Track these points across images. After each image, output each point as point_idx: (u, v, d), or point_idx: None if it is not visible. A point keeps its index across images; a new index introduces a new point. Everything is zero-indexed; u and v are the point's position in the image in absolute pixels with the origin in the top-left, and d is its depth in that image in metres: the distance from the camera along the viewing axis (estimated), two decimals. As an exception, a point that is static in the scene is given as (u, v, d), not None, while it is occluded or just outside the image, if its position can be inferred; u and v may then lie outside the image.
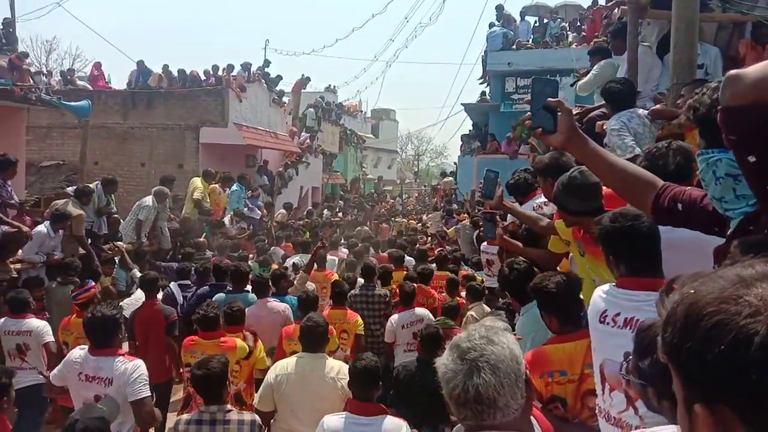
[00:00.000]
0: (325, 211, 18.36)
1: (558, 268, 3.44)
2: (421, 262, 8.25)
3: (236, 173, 13.37)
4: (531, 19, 19.37)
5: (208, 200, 11.37)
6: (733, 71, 1.29)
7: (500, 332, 1.44)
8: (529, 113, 1.83)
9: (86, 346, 3.53)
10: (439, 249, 9.91)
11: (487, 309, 5.72)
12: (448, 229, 11.96)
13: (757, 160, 1.31)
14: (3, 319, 4.99)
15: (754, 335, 0.64)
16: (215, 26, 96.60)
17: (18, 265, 6.72)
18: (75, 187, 8.30)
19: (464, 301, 6.78)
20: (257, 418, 3.40)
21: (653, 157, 2.22)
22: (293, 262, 8.36)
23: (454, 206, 15.10)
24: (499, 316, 4.26)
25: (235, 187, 12.48)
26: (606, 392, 2.06)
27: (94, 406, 2.73)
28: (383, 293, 6.39)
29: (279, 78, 19.89)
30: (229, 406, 3.34)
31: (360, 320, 5.67)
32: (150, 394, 3.45)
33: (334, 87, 31.72)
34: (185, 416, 3.37)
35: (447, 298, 6.85)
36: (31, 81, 11.34)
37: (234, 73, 17.15)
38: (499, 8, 18.20)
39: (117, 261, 7.56)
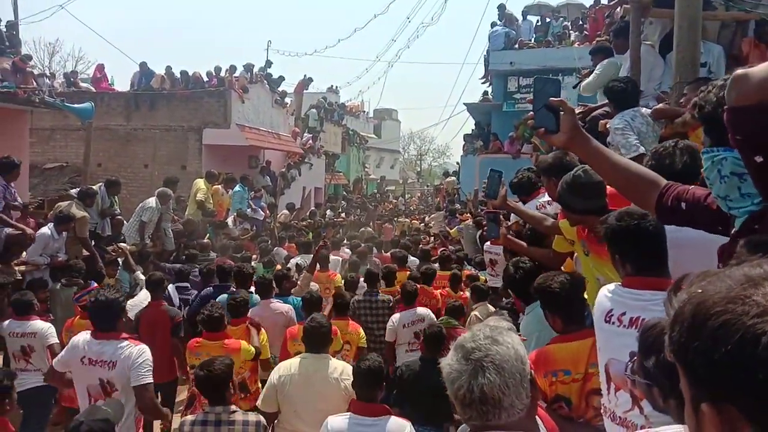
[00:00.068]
0: (328, 212, 18.38)
1: (562, 268, 3.43)
2: (424, 262, 8.25)
3: (239, 174, 13.38)
4: (533, 19, 19.36)
5: (211, 201, 11.38)
6: (739, 71, 1.28)
7: (505, 332, 1.44)
8: (531, 113, 1.83)
9: (89, 332, 3.52)
10: (442, 249, 9.91)
11: (492, 309, 5.71)
12: (450, 229, 11.95)
13: (764, 160, 1.30)
14: (7, 321, 5.00)
15: (761, 335, 0.64)
16: (217, 27, 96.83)
17: (22, 267, 6.74)
18: (78, 189, 8.32)
19: (467, 296, 6.79)
20: (262, 419, 3.40)
21: (660, 157, 2.22)
22: (296, 263, 8.36)
23: (457, 206, 15.09)
24: (502, 315, 4.26)
25: (237, 188, 12.49)
26: (611, 392, 2.06)
27: (99, 408, 2.73)
28: (386, 299, 6.37)
29: (281, 79, 19.92)
30: (233, 407, 3.34)
31: (362, 332, 5.60)
32: (153, 380, 3.43)
33: (337, 87, 31.77)
34: (190, 417, 3.38)
35: (450, 293, 6.87)
36: (35, 83, 11.37)
37: (236, 74, 17.18)
38: (501, 7, 18.19)
39: (120, 263, 7.57)
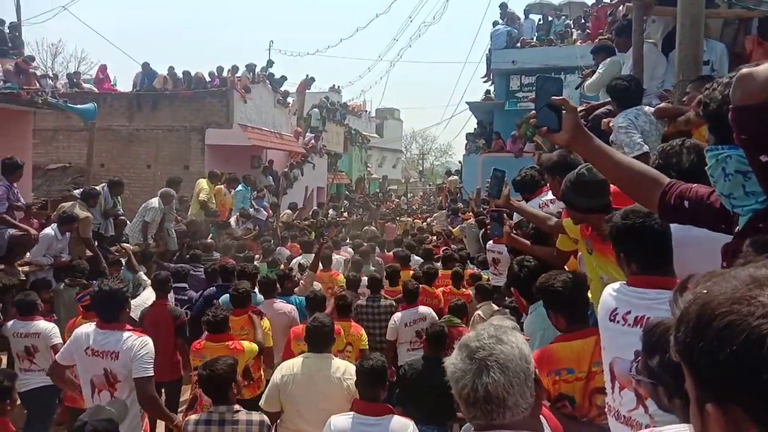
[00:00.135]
0: (331, 211, 18.37)
1: (566, 267, 3.43)
2: (427, 261, 8.25)
3: (241, 174, 13.40)
4: (535, 17, 19.34)
5: (214, 201, 11.40)
6: (744, 70, 1.28)
7: (509, 331, 1.44)
8: (533, 111, 1.82)
9: (93, 323, 3.52)
10: (445, 248, 9.90)
11: (496, 308, 5.71)
12: (453, 228, 11.95)
13: None
14: (12, 322, 5.02)
15: (766, 336, 0.64)
16: (219, 28, 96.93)
17: (26, 268, 6.76)
18: (81, 190, 8.34)
19: (470, 293, 6.79)
20: (266, 418, 3.41)
21: (667, 155, 2.22)
22: (299, 263, 8.37)
23: (460, 205, 15.07)
24: (504, 314, 4.26)
25: (240, 187, 12.51)
26: (616, 391, 2.06)
27: (103, 408, 2.73)
28: (389, 304, 6.37)
29: (283, 78, 19.94)
30: (237, 407, 3.35)
31: (364, 334, 5.60)
32: (154, 374, 3.42)
33: (339, 87, 31.83)
34: (194, 416, 3.38)
35: (452, 290, 6.86)
36: (38, 84, 11.39)
37: (238, 74, 17.20)
38: (503, 6, 18.17)
39: (124, 263, 7.59)
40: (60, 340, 4.96)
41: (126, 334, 3.39)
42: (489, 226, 4.70)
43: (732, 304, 0.68)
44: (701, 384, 0.72)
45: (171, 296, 6.44)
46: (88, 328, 3.50)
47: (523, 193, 4.43)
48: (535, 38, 17.93)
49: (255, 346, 4.69)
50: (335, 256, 8.54)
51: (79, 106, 11.43)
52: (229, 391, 3.36)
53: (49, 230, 6.92)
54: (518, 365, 1.37)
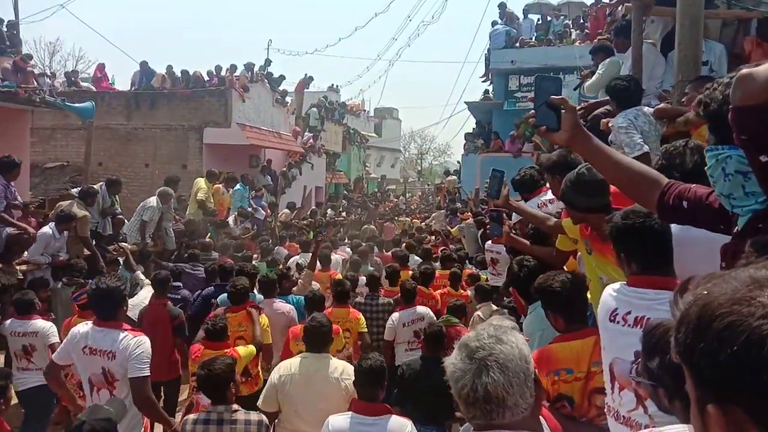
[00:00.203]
0: (329, 211, 18.38)
1: (565, 267, 3.43)
2: (426, 261, 8.25)
3: (240, 173, 13.38)
4: (534, 17, 19.36)
5: (212, 201, 11.39)
6: (744, 70, 1.28)
7: (509, 331, 1.44)
8: (532, 111, 1.82)
9: (89, 322, 3.50)
10: (443, 248, 9.90)
11: (495, 309, 5.71)
12: (451, 228, 11.95)
13: None
14: (9, 320, 5.01)
15: (767, 336, 0.64)
16: (218, 27, 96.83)
17: (24, 267, 6.75)
18: (79, 189, 8.32)
19: (468, 294, 6.79)
20: (264, 418, 3.41)
21: (671, 156, 2.22)
22: (297, 262, 8.37)
23: (458, 205, 15.08)
24: (503, 314, 4.25)
25: (238, 186, 12.51)
26: (615, 391, 2.06)
27: (101, 407, 2.73)
28: (387, 302, 6.38)
29: (282, 78, 19.92)
30: (235, 406, 3.34)
31: (362, 318, 5.69)
32: (150, 374, 3.40)
33: (337, 86, 31.78)
34: (192, 416, 3.38)
35: (450, 291, 6.86)
36: (35, 83, 11.38)
37: (237, 73, 17.18)
38: (502, 6, 18.19)
39: (121, 262, 7.58)
40: (57, 339, 4.95)
41: (122, 334, 3.37)
42: (488, 226, 4.70)
43: (732, 304, 0.68)
44: (702, 385, 0.72)
45: (163, 295, 6.44)
46: (84, 326, 3.47)
47: (522, 193, 4.43)
48: (533, 38, 17.94)
49: (252, 349, 4.68)
50: (334, 256, 8.54)
51: (77, 104, 11.41)
52: (228, 390, 3.35)
53: (47, 229, 6.91)
54: (518, 365, 1.37)
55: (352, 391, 3.51)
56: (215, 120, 16.14)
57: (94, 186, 8.36)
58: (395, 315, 5.80)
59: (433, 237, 12.54)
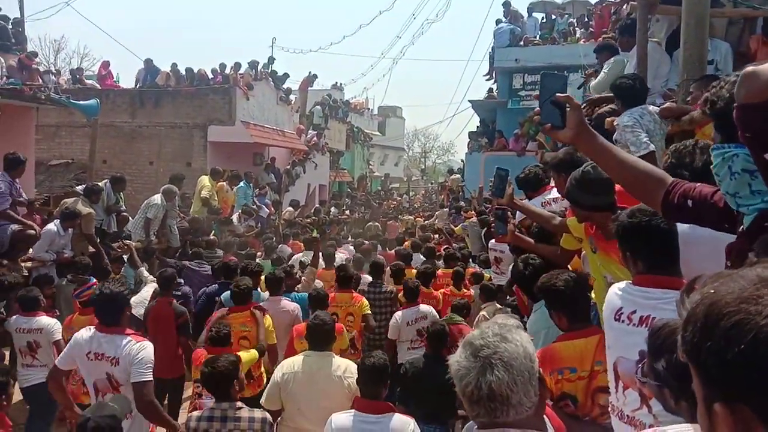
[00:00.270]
0: (333, 209, 18.40)
1: (569, 266, 3.42)
2: (429, 260, 8.25)
3: (244, 171, 13.40)
4: (538, 15, 19.32)
5: (216, 198, 11.40)
6: (749, 68, 1.28)
7: (514, 330, 1.43)
8: (537, 108, 1.82)
9: (92, 327, 3.49)
10: (446, 247, 9.90)
11: (499, 308, 5.72)
12: (455, 226, 11.94)
13: None
14: (14, 317, 5.03)
15: None
16: (222, 24, 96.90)
17: (28, 264, 6.77)
18: (84, 186, 8.35)
19: (471, 293, 6.79)
20: (268, 415, 3.41)
21: (680, 155, 2.22)
22: (300, 260, 8.38)
23: (461, 203, 15.07)
24: (506, 313, 4.25)
25: (241, 184, 12.52)
26: (619, 390, 2.05)
27: (106, 404, 2.74)
28: (390, 290, 6.40)
29: (286, 76, 19.94)
30: (239, 404, 3.35)
31: (365, 302, 5.71)
32: (152, 379, 3.39)
33: (341, 84, 31.79)
34: (196, 413, 3.39)
35: (453, 291, 6.85)
36: (40, 80, 11.41)
37: (241, 71, 17.20)
38: (506, 4, 18.15)
39: (126, 259, 7.60)
40: (61, 336, 4.97)
41: (125, 339, 3.36)
42: (493, 225, 4.69)
43: (740, 303, 0.68)
44: (709, 384, 0.72)
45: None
46: (87, 332, 3.46)
47: (527, 191, 4.42)
48: (538, 36, 17.90)
49: (255, 354, 4.66)
50: (337, 254, 8.55)
51: (81, 102, 11.43)
52: (231, 388, 3.36)
53: (52, 226, 6.93)
54: (522, 364, 1.37)
55: (355, 389, 3.51)
56: (219, 118, 16.17)
57: (99, 183, 8.39)
58: (398, 314, 5.80)
59: (437, 235, 12.54)
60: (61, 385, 3.56)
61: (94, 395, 3.43)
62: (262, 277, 6.23)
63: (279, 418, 3.84)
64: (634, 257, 2.08)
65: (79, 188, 8.42)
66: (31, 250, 6.85)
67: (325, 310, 4.78)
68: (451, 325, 5.02)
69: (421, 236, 11.83)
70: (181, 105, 16.31)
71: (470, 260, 8.86)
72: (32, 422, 4.99)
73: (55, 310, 5.88)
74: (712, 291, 0.73)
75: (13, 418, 5.16)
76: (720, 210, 1.62)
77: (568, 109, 1.74)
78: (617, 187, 2.54)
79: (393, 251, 9.75)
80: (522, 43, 17.49)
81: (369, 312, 5.72)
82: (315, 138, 21.79)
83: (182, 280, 6.81)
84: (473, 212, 11.11)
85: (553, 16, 18.72)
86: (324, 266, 7.51)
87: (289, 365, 3.87)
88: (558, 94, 1.75)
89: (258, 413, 3.35)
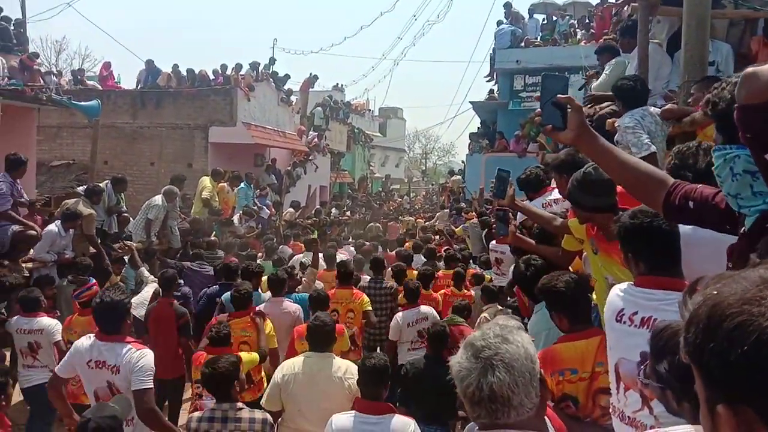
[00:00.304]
0: (333, 210, 18.39)
1: (570, 267, 3.42)
2: (430, 261, 8.25)
3: (245, 172, 13.41)
4: (539, 17, 19.34)
5: (217, 199, 11.41)
6: (749, 69, 1.28)
7: (515, 331, 1.43)
8: (538, 110, 1.81)
9: (92, 335, 3.48)
10: (446, 248, 9.90)
11: (500, 309, 5.71)
12: (456, 227, 11.95)
13: None
14: (15, 318, 5.03)
15: None
16: (223, 25, 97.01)
17: (29, 264, 6.77)
18: (85, 187, 8.35)
19: (471, 293, 6.79)
20: (268, 416, 3.41)
21: (683, 156, 2.23)
22: (300, 261, 8.38)
23: (462, 204, 15.08)
24: (507, 314, 4.25)
25: (242, 185, 12.53)
26: (621, 391, 2.05)
27: (106, 405, 2.73)
28: (390, 285, 6.41)
29: (287, 77, 19.97)
30: (240, 404, 3.35)
31: (366, 298, 5.72)
32: (153, 386, 3.37)
33: (342, 86, 31.81)
34: (197, 414, 3.39)
35: (454, 291, 6.85)
36: (42, 81, 11.40)
37: (242, 72, 17.21)
38: (508, 6, 18.16)
39: (127, 260, 7.60)
40: (61, 337, 4.97)
41: (126, 347, 3.34)
42: (494, 226, 4.69)
43: (742, 304, 0.68)
44: (712, 385, 0.72)
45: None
46: (87, 340, 3.44)
47: (528, 192, 4.42)
48: (539, 38, 17.91)
49: (255, 356, 4.65)
50: (338, 255, 8.55)
51: (83, 103, 11.45)
52: (232, 388, 3.36)
53: (53, 227, 6.93)
54: (524, 365, 1.37)
55: (355, 390, 3.51)
56: (220, 119, 16.19)
57: (100, 184, 8.39)
58: (399, 315, 5.81)
59: (437, 237, 12.54)
60: (60, 394, 3.54)
61: (95, 403, 3.41)
62: (263, 278, 6.24)
63: (279, 419, 3.84)
64: (635, 258, 2.08)
65: (80, 189, 8.42)
66: (32, 250, 6.85)
67: (326, 311, 4.78)
68: (452, 326, 5.02)
69: (422, 237, 11.84)
70: (182, 106, 16.33)
71: (471, 261, 8.85)
72: (33, 423, 4.99)
73: (56, 310, 5.88)
74: (715, 292, 0.72)
75: (14, 419, 5.17)
76: (721, 211, 1.62)
77: (569, 110, 1.74)
78: (618, 188, 2.54)
79: (393, 252, 9.75)
80: (523, 44, 17.50)
81: (370, 308, 5.73)
82: (316, 139, 21.79)
83: (182, 281, 6.81)
84: (474, 213, 11.12)
85: (554, 18, 18.73)
86: (325, 267, 7.52)
87: (290, 366, 3.87)
88: (559, 96, 1.75)
89: (259, 414, 3.35)
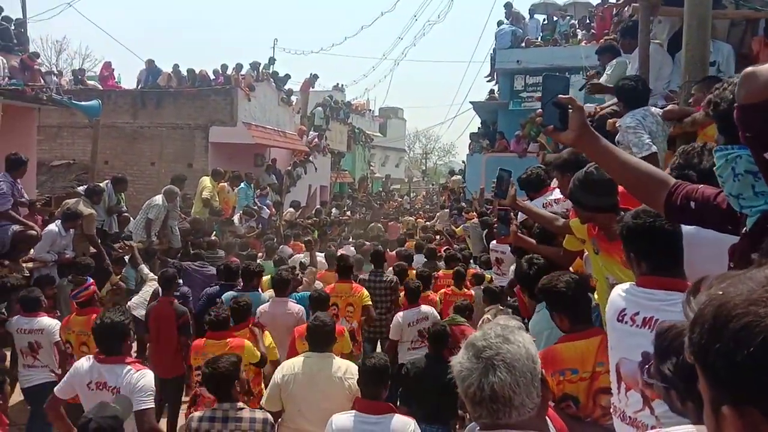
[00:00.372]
0: (334, 210, 18.40)
1: (571, 267, 3.42)
2: (430, 260, 8.24)
3: (245, 172, 13.41)
4: (540, 17, 19.34)
5: (217, 199, 11.41)
6: (749, 69, 1.28)
7: (516, 331, 1.43)
8: (539, 110, 1.81)
9: (92, 356, 3.47)
10: (446, 248, 9.90)
11: (501, 309, 5.70)
12: (456, 227, 11.95)
13: None
14: (15, 318, 5.02)
15: None
16: (224, 25, 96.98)
17: (30, 264, 6.78)
18: (86, 186, 8.35)
19: (472, 293, 6.79)
20: (269, 416, 3.41)
21: (688, 156, 2.23)
22: (300, 261, 8.39)
23: (463, 204, 15.08)
24: (508, 314, 4.25)
25: (242, 185, 12.53)
26: (622, 391, 2.05)
27: (107, 405, 2.73)
28: (390, 279, 6.40)
29: (287, 77, 19.97)
30: (241, 404, 3.35)
31: (366, 292, 5.72)
32: (154, 406, 3.36)
33: (343, 86, 31.81)
34: (197, 413, 3.39)
35: (454, 291, 6.85)
36: (42, 81, 11.41)
37: (243, 72, 17.21)
38: (508, 6, 18.15)
39: (127, 260, 7.61)
40: (59, 337, 4.96)
41: (126, 369, 3.33)
42: (495, 226, 4.69)
43: (749, 305, 0.68)
44: (717, 386, 0.71)
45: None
46: (87, 362, 3.44)
47: (528, 192, 4.42)
48: (539, 38, 17.90)
49: (256, 351, 4.63)
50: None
51: (83, 103, 11.45)
52: (233, 388, 3.36)
53: (53, 227, 6.93)
54: (525, 365, 1.37)
55: (355, 390, 3.51)
56: (221, 119, 16.18)
57: (100, 184, 8.39)
58: (400, 314, 5.81)
59: (438, 237, 12.55)
60: (59, 414, 3.52)
61: None
62: (264, 278, 6.23)
63: (279, 420, 3.84)
64: (638, 258, 2.08)
65: (81, 189, 8.42)
66: (32, 250, 6.85)
67: (326, 311, 4.78)
68: (453, 326, 5.02)
69: (423, 237, 11.85)
70: (182, 106, 16.33)
71: (471, 261, 8.85)
72: (33, 423, 4.98)
73: (56, 310, 5.88)
74: (720, 292, 0.72)
75: (14, 419, 5.17)
76: (723, 211, 1.62)
77: (570, 111, 1.74)
78: (620, 188, 2.54)
79: (394, 252, 9.76)
80: (523, 44, 17.49)
81: (369, 303, 5.73)
82: (316, 139, 21.79)
83: (181, 281, 6.80)
84: (474, 213, 11.11)
85: (555, 18, 18.73)
86: (327, 268, 7.52)
87: (290, 367, 3.86)
88: (560, 96, 1.74)
89: (259, 414, 3.35)
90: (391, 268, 7.24)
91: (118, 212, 8.42)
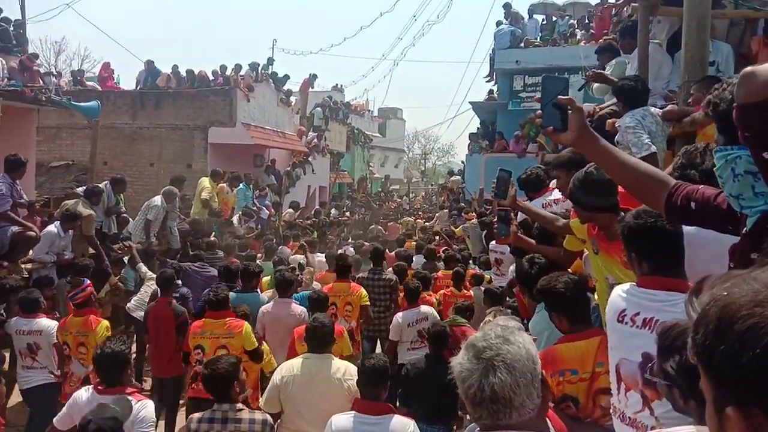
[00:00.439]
0: (333, 211, 18.40)
1: (570, 268, 3.42)
2: (430, 261, 8.24)
3: (244, 173, 13.41)
4: (539, 17, 19.33)
5: (216, 200, 11.40)
6: (748, 68, 1.28)
7: (516, 332, 1.43)
8: (539, 111, 1.81)
9: (91, 387, 3.46)
10: (445, 249, 9.90)
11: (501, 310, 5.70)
12: (455, 228, 11.95)
13: None
14: (14, 319, 5.02)
15: None
16: (223, 26, 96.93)
17: (29, 265, 6.77)
18: (84, 187, 8.34)
19: (471, 294, 6.79)
20: (268, 417, 3.41)
21: (690, 155, 2.24)
22: (299, 262, 8.39)
23: (462, 205, 15.08)
24: (507, 315, 4.24)
25: (241, 185, 12.52)
26: (622, 392, 2.05)
27: (107, 407, 2.73)
28: (389, 278, 6.40)
29: (286, 77, 19.97)
30: (240, 405, 3.34)
31: (364, 292, 5.73)
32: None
33: (342, 86, 31.80)
34: (197, 414, 3.38)
35: (454, 292, 6.85)
36: (41, 82, 11.41)
37: (242, 72, 17.21)
38: (507, 6, 18.15)
39: (126, 261, 7.59)
40: (57, 338, 4.95)
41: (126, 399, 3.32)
42: (495, 226, 4.69)
43: (754, 306, 0.68)
44: (721, 386, 0.71)
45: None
46: (86, 392, 3.42)
47: (528, 192, 4.42)
48: (538, 38, 17.91)
49: (254, 338, 4.62)
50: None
51: (82, 103, 11.45)
52: (232, 389, 3.35)
53: (52, 228, 6.92)
54: (525, 366, 1.37)
55: (354, 391, 3.51)
56: (220, 119, 16.18)
57: (99, 185, 8.38)
58: (399, 315, 5.81)
59: (437, 237, 12.56)
60: None
61: None
62: (263, 279, 6.22)
63: (279, 421, 3.83)
64: (639, 259, 2.07)
65: (80, 190, 8.41)
66: (31, 251, 6.85)
67: (325, 313, 4.77)
68: (453, 327, 5.01)
69: (423, 237, 11.86)
70: (181, 106, 16.33)
71: (470, 262, 8.85)
72: (32, 424, 4.98)
73: (55, 312, 5.88)
74: (725, 293, 0.72)
75: (13, 420, 5.17)
76: (723, 212, 1.62)
77: (569, 111, 1.74)
78: (620, 188, 2.53)
79: (393, 253, 9.76)
80: (522, 44, 17.49)
81: (368, 303, 5.73)
82: (315, 139, 21.78)
83: (180, 282, 6.79)
84: (474, 214, 11.12)
85: (554, 18, 18.73)
86: (327, 268, 7.51)
87: (289, 368, 3.86)
88: (560, 97, 1.74)
89: (259, 415, 3.35)
90: (390, 269, 7.24)
91: (117, 213, 8.42)
